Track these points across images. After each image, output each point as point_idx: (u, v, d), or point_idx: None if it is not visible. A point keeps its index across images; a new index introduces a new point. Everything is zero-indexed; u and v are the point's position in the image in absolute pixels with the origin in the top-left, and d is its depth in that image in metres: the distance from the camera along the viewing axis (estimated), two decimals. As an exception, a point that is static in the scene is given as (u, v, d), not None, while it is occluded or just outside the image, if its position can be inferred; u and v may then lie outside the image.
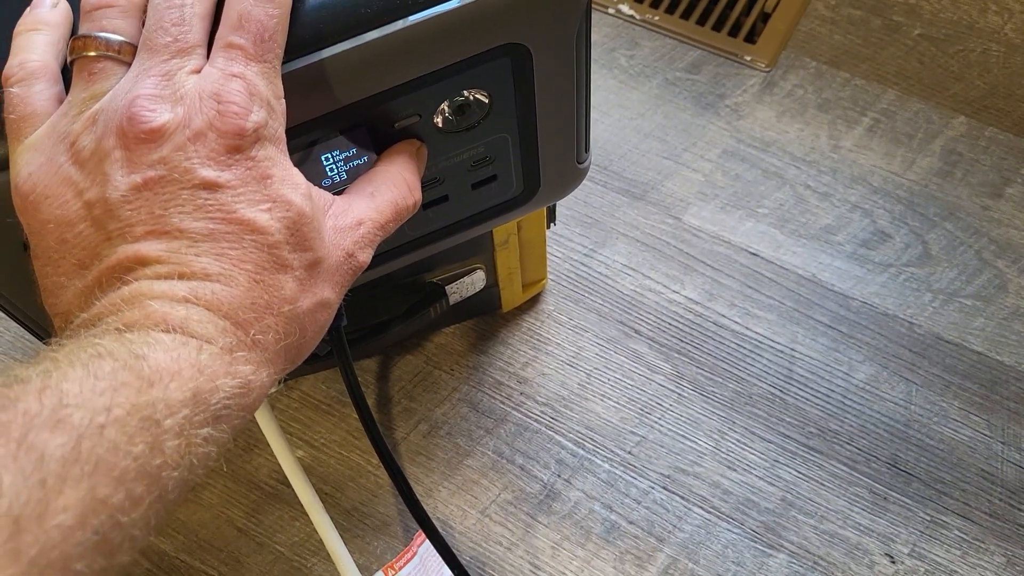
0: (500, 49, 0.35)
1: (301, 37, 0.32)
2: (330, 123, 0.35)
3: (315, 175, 0.37)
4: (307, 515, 0.53)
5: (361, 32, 0.32)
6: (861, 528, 0.52)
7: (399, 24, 0.32)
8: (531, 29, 0.35)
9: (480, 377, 0.58)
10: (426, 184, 0.40)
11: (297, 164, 0.32)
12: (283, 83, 0.30)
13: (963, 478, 0.53)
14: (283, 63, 0.31)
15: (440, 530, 0.44)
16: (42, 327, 0.41)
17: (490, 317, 0.60)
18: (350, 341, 0.41)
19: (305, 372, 0.58)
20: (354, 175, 0.38)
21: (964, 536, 0.52)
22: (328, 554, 0.51)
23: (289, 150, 0.31)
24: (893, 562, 0.51)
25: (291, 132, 0.34)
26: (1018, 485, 0.53)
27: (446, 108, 0.37)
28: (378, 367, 0.58)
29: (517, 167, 0.42)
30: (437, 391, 0.57)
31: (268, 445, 0.56)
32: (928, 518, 0.52)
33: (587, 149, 0.45)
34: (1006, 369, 0.56)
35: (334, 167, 0.37)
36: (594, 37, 0.69)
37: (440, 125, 0.37)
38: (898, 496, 0.53)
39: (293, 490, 0.53)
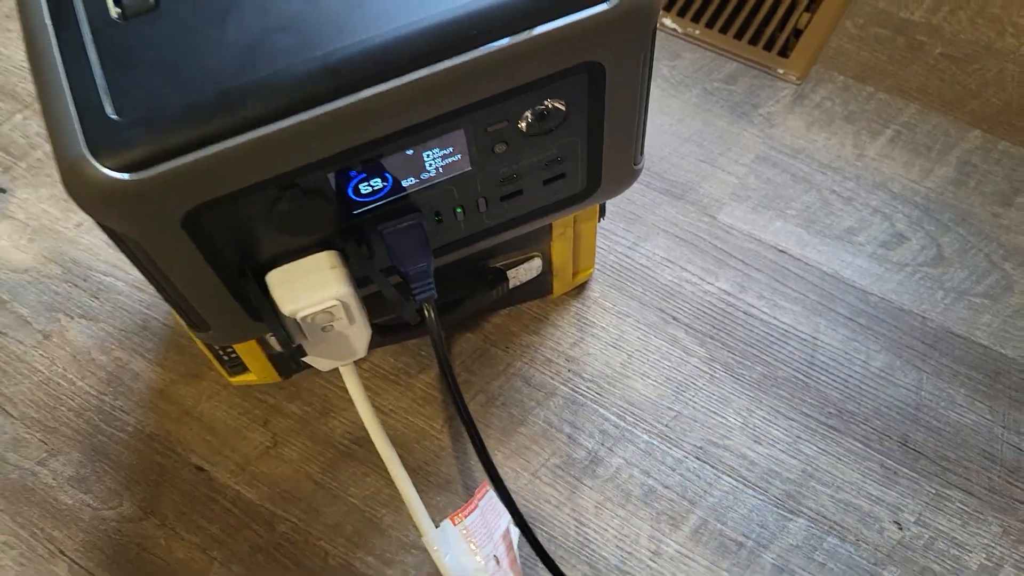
0: (580, 66, 0.41)
1: (421, 50, 0.38)
2: (436, 125, 0.41)
3: (416, 169, 0.43)
4: (377, 472, 0.59)
5: (469, 49, 0.38)
6: (873, 498, 0.58)
7: (502, 42, 0.39)
8: (607, 49, 0.41)
9: (532, 355, 0.64)
10: (504, 180, 0.47)
11: (403, 160, 0.38)
12: (406, 89, 0.37)
13: (966, 457, 0.59)
14: (409, 71, 0.37)
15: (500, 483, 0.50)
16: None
17: (542, 301, 0.66)
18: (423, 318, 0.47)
19: (391, 342, 0.64)
20: (448, 171, 0.44)
21: (965, 507, 0.58)
22: (396, 507, 0.57)
23: (401, 147, 0.37)
24: (900, 528, 0.57)
25: (406, 131, 0.40)
26: (1016, 465, 0.59)
27: (529, 115, 0.43)
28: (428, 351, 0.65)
29: (583, 167, 0.48)
30: (493, 366, 0.63)
31: (342, 410, 0.62)
32: (933, 491, 0.58)
33: (641, 152, 0.51)
34: (1009, 361, 0.62)
35: (432, 163, 0.43)
36: (640, 49, 0.75)
37: (523, 129, 0.44)
38: (907, 471, 0.59)
39: (364, 449, 0.60)
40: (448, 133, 0.42)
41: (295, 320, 0.44)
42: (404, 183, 0.43)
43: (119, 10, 0.40)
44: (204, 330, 0.48)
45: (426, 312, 0.45)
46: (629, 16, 0.40)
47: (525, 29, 0.39)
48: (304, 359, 0.48)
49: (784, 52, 0.76)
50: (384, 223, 0.45)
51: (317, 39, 0.38)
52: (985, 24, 0.77)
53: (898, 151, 0.71)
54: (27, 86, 0.77)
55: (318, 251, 0.44)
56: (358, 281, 0.46)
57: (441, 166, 0.43)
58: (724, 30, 0.78)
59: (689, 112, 0.74)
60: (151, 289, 0.67)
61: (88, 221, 0.70)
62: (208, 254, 0.42)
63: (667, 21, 0.78)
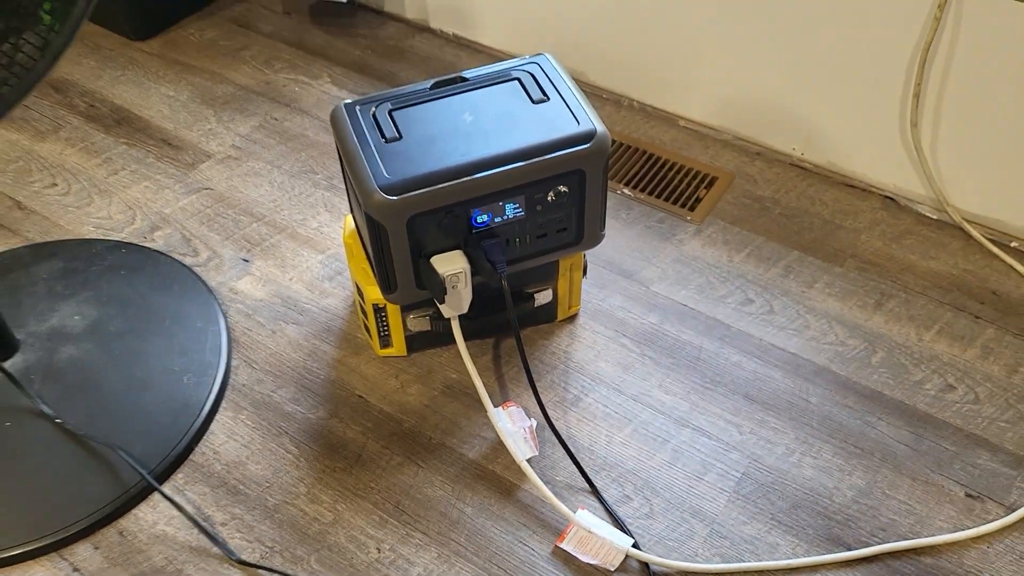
0: (575, 171, 0.97)
1: (513, 158, 0.94)
2: (514, 192, 0.96)
3: (502, 213, 0.98)
4: (459, 399, 1.09)
5: (530, 159, 0.94)
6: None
7: (544, 158, 0.95)
8: (586, 164, 0.97)
9: (541, 354, 1.15)
10: (539, 226, 1.01)
11: (497, 208, 0.93)
12: (505, 173, 0.93)
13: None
14: (507, 165, 0.93)
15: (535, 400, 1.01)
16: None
17: (549, 324, 1.18)
18: (480, 324, 0.99)
19: (482, 324, 1.15)
20: (514, 216, 0.99)
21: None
22: (470, 416, 1.07)
23: (497, 200, 0.93)
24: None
25: (501, 192, 0.96)
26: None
27: (552, 193, 0.99)
28: (487, 345, 1.16)
29: (575, 225, 1.03)
30: (516, 357, 1.14)
31: (440, 372, 1.13)
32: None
33: (603, 227, 1.06)
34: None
35: (509, 211, 0.98)
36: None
37: (550, 199, 0.99)
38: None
39: (450, 391, 1.09)
40: (517, 196, 0.97)
41: (443, 278, 0.97)
42: (496, 219, 0.98)
43: (384, 139, 0.96)
44: (393, 291, 1.00)
45: (503, 280, 0.98)
46: (596, 150, 0.96)
47: (553, 153, 0.95)
48: (441, 306, 1.00)
49: (692, 208, 1.34)
50: (485, 239, 0.99)
51: (470, 150, 0.94)
52: (805, 200, 1.35)
53: (751, 260, 1.26)
54: (261, 210, 1.33)
55: (455, 250, 0.98)
56: (473, 268, 0.99)
57: (512, 214, 0.98)
58: (658, 196, 1.35)
59: (635, 237, 1.30)
60: (333, 308, 1.19)
61: (296, 276, 1.24)
62: (411, 242, 0.95)
63: (625, 190, 1.36)
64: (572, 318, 1.19)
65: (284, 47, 1.63)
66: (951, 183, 1.27)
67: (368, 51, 1.63)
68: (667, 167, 1.40)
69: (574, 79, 1.52)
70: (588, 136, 0.96)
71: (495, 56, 1.60)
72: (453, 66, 1.59)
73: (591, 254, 1.27)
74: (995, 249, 1.25)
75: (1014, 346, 1.14)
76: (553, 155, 0.95)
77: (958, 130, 1.22)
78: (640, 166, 1.40)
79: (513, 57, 1.58)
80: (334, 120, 0.99)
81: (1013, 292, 1.21)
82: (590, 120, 0.97)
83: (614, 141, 1.44)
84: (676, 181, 1.38)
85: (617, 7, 1.41)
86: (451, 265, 0.97)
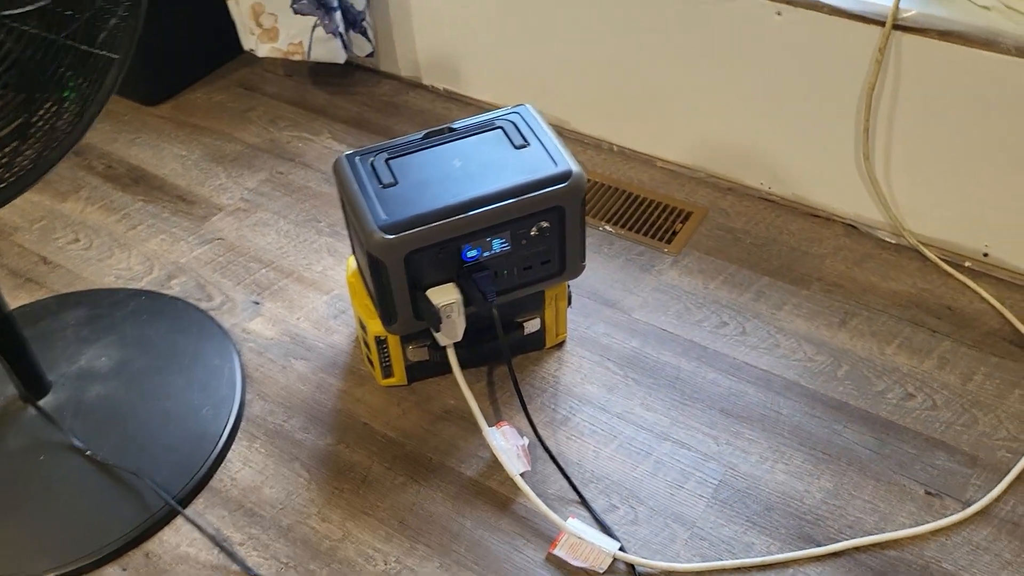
0: (554, 207, 1.07)
1: (500, 196, 1.04)
2: (500, 227, 1.06)
3: (489, 247, 1.08)
4: (455, 423, 1.18)
5: (515, 197, 1.05)
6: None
7: (527, 196, 1.05)
8: (564, 201, 1.07)
9: (531, 379, 1.24)
10: (524, 258, 1.11)
11: (485, 243, 1.04)
12: (492, 211, 1.03)
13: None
14: (495, 203, 1.04)
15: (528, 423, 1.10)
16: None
17: (537, 351, 1.27)
18: (474, 352, 1.09)
19: (475, 354, 1.24)
20: (502, 250, 1.09)
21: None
22: (466, 437, 1.15)
23: (485, 236, 1.03)
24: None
25: (489, 228, 1.06)
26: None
27: (534, 228, 1.09)
28: (481, 373, 1.25)
29: (558, 257, 1.13)
30: (508, 383, 1.24)
31: (438, 399, 1.22)
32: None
33: (583, 259, 1.16)
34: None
35: (496, 245, 1.08)
36: (589, 239, 1.43)
37: (533, 234, 1.09)
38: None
39: (448, 416, 1.18)
40: (503, 232, 1.07)
41: (437, 308, 1.06)
42: (485, 253, 1.08)
43: (382, 185, 1.07)
44: (393, 322, 1.10)
45: (494, 309, 1.08)
46: (573, 188, 1.07)
47: (534, 192, 1.06)
48: (437, 335, 1.10)
49: (669, 241, 1.44)
50: (476, 272, 1.09)
51: (460, 192, 1.05)
52: (773, 230, 1.45)
53: (725, 286, 1.36)
54: (269, 256, 1.43)
55: (448, 282, 1.08)
56: (465, 298, 1.09)
57: (499, 248, 1.09)
58: (637, 231, 1.46)
59: (617, 269, 1.40)
60: (338, 344, 1.29)
61: (303, 316, 1.33)
62: (409, 276, 1.06)
63: (607, 226, 1.46)
64: (560, 345, 1.28)
65: (287, 107, 1.75)
66: (907, 210, 1.38)
67: (365, 107, 1.75)
68: (646, 204, 1.51)
69: (553, 126, 1.65)
70: (565, 176, 1.07)
71: (483, 108, 1.72)
72: (444, 118, 1.71)
73: (577, 286, 1.36)
74: (950, 269, 1.35)
75: (968, 357, 1.23)
76: (534, 194, 1.06)
77: (908, 160, 1.33)
78: (621, 204, 1.51)
79: (499, 108, 1.70)
80: (336, 170, 1.10)
81: (967, 308, 1.30)
82: (567, 161, 1.08)
83: (596, 182, 1.55)
84: (654, 217, 1.48)
85: (595, 59, 1.53)
86: (445, 296, 1.07)
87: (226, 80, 1.83)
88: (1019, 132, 1.21)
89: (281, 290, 1.38)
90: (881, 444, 1.14)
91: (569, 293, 1.24)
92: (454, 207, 1.04)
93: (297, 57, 1.64)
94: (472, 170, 1.08)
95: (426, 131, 1.14)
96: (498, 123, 1.15)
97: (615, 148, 1.62)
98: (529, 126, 1.14)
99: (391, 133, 1.68)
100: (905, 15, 1.21)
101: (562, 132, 1.66)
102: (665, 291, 1.36)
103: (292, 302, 1.36)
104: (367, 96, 1.78)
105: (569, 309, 1.28)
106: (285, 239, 1.46)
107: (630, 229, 1.46)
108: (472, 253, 1.07)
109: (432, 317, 1.07)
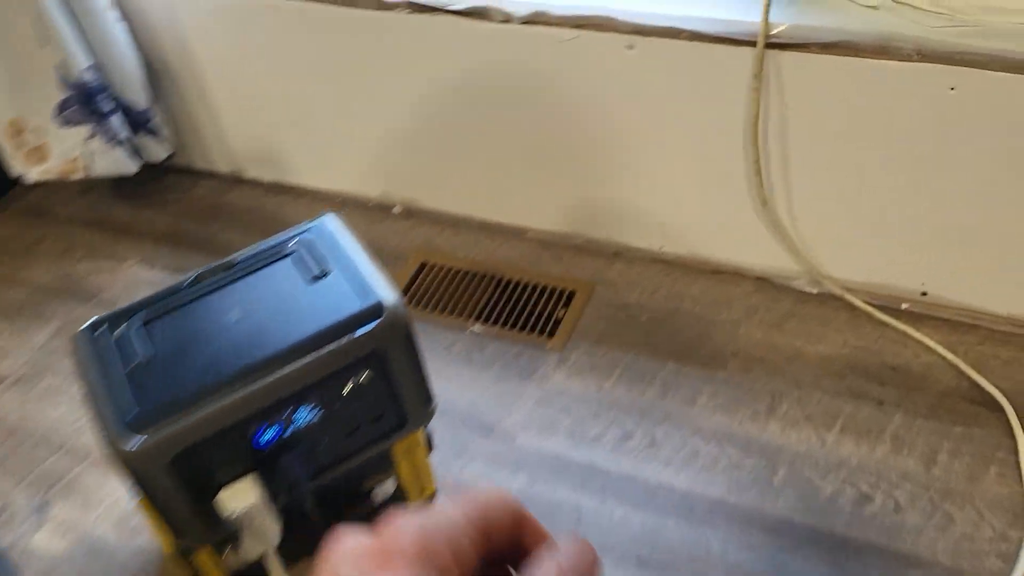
0: (369, 353, 0.81)
1: (290, 356, 0.77)
2: (285, 406, 0.79)
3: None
4: (303, 635, 0.90)
5: (298, 359, 0.78)
6: None
7: (330, 347, 0.78)
8: (383, 342, 0.81)
9: (401, 547, 0.97)
10: (345, 427, 0.84)
11: (283, 418, 0.77)
12: (283, 378, 0.76)
13: (679, 559, 0.93)
14: (284, 367, 0.76)
15: None
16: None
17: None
18: (317, 530, 0.82)
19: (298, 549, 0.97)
20: (291, 437, 0.81)
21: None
22: None
23: (280, 410, 0.76)
24: None
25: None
26: (709, 558, 0.92)
27: (350, 384, 0.82)
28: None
29: (391, 411, 0.86)
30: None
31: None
32: None
33: (429, 401, 0.90)
34: (701, 496, 0.98)
35: (271, 433, 0.80)
36: (455, 347, 1.17)
37: (350, 389, 0.82)
38: (642, 574, 0.92)
39: (294, 621, 0.90)
40: (308, 398, 0.80)
41: (232, 518, 0.79)
42: (288, 431, 0.81)
43: (133, 363, 0.79)
44: (184, 538, 0.82)
45: (309, 502, 0.81)
46: (390, 324, 0.81)
47: (338, 340, 0.79)
48: (243, 548, 0.82)
49: (551, 333, 1.19)
50: (280, 454, 0.81)
51: (239, 357, 0.78)
52: (673, 298, 1.21)
53: (623, 383, 1.11)
54: (59, 436, 1.14)
55: (246, 476, 0.81)
56: (271, 492, 0.81)
57: (307, 419, 0.82)
58: (512, 326, 1.20)
59: (492, 381, 1.14)
60: (146, 548, 1.00)
61: (103, 514, 1.04)
62: (184, 484, 0.78)
63: (475, 327, 1.20)
64: (431, 498, 1.02)
65: (84, 231, 1.46)
66: (822, 252, 1.15)
67: (181, 217, 1.47)
68: (519, 289, 1.25)
69: (406, 207, 1.38)
70: (375, 312, 0.81)
71: (320, 198, 1.45)
72: (276, 216, 1.44)
73: (444, 414, 1.10)
74: (884, 317, 1.12)
75: (926, 429, 1.00)
76: (338, 343, 0.79)
77: (813, 194, 1.10)
78: (489, 295, 1.25)
79: (339, 195, 1.43)
80: (71, 352, 0.82)
81: (913, 363, 1.07)
82: (375, 292, 0.82)
83: (458, 271, 1.29)
84: (531, 305, 1.23)
85: (435, 126, 1.27)
86: (239, 500, 0.79)
87: (11, 209, 1.53)
88: (938, 143, 0.99)
89: (74, 482, 1.09)
90: (839, 571, 0.89)
91: (428, 437, 0.98)
92: (231, 379, 0.77)
93: (78, 175, 1.36)
94: (256, 322, 0.81)
95: (196, 272, 0.87)
96: (290, 247, 0.88)
97: (475, 222, 1.36)
98: (329, 246, 0.88)
99: (214, 244, 1.40)
100: (777, 30, 0.98)
101: (412, 212, 1.39)
102: (552, 402, 1.10)
103: (88, 497, 1.07)
104: (182, 202, 1.50)
105: (432, 455, 1.02)
106: (79, 409, 1.17)
107: (504, 325, 1.21)
108: (269, 435, 0.80)
109: (228, 529, 0.80)
